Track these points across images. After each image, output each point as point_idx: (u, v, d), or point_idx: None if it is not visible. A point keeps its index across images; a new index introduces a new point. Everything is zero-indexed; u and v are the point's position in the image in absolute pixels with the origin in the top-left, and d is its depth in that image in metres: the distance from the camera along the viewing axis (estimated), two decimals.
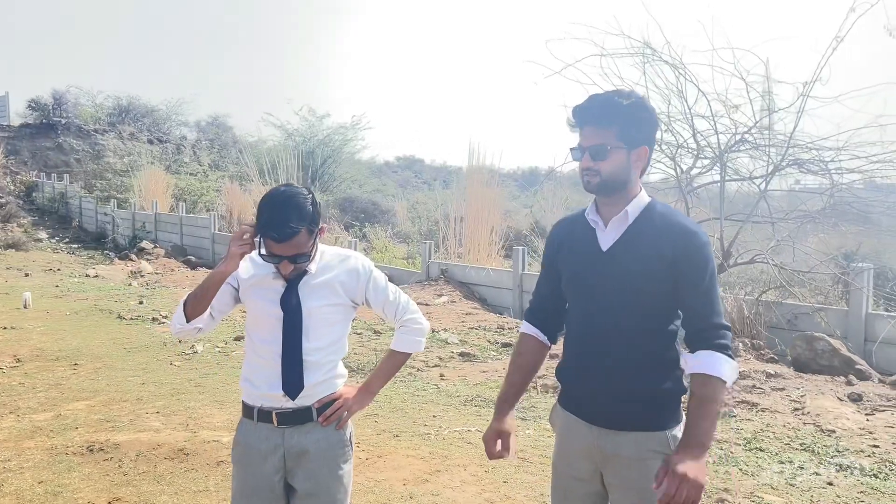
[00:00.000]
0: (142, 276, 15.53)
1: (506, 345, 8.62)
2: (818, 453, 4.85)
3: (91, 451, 4.79)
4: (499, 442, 2.28)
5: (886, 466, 4.57)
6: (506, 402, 2.32)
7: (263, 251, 2.23)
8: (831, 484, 4.33)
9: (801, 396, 6.03)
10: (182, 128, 36.03)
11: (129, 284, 14.04)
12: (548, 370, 7.26)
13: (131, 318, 10.09)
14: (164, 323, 9.86)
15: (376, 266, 2.54)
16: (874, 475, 4.45)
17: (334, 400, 2.38)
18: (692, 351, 2.06)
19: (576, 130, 2.14)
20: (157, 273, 16.02)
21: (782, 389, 6.28)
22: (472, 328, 9.53)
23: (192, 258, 18.47)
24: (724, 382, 1.98)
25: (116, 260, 18.37)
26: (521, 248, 11.01)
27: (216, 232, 19.10)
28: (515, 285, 10.76)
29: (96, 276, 15.12)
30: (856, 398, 6.01)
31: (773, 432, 5.28)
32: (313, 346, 2.33)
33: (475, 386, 6.78)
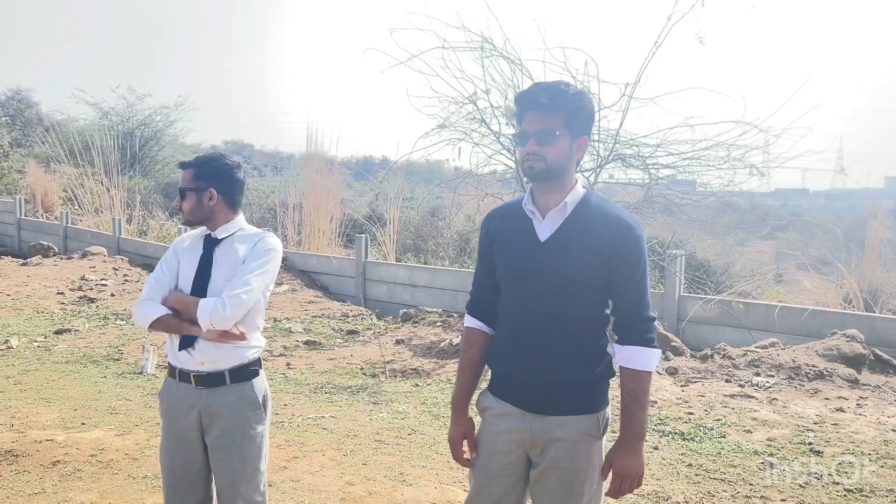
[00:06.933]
0: None
1: (351, 332, 8.64)
2: None
3: None
4: (465, 443, 2.28)
5: (701, 430, 5.14)
6: (464, 402, 2.32)
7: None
8: (657, 448, 4.81)
9: None
10: None
11: None
12: (395, 354, 7.39)
13: None
14: None
15: None
16: (691, 438, 5.00)
17: (246, 365, 2.55)
18: (622, 342, 2.13)
19: (513, 119, 2.12)
20: None
21: None
22: (315, 316, 9.44)
23: None
24: (651, 373, 2.12)
25: None
26: (363, 236, 11.01)
27: (22, 217, 17.35)
28: (358, 273, 10.76)
29: None
30: (672, 372, 6.68)
31: None
32: None
33: (324, 373, 6.75)
